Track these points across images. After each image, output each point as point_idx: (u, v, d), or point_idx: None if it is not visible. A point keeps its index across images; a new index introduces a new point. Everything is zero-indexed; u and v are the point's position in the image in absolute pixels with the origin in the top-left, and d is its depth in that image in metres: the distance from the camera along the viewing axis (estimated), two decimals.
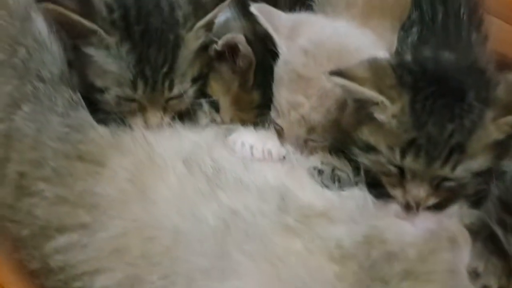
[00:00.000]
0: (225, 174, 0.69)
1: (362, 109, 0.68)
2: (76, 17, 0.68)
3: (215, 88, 0.84)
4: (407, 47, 0.90)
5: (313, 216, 0.65)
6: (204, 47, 0.80)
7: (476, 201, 0.72)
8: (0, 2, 0.79)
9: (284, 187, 0.69)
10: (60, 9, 0.67)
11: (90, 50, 0.72)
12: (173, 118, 0.80)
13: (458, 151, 0.63)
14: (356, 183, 0.74)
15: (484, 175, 0.67)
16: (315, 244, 0.62)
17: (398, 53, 0.89)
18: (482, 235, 0.68)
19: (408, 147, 0.64)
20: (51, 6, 0.67)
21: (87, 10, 0.70)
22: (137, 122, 0.78)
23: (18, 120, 0.72)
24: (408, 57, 0.70)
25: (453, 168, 0.64)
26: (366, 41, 0.79)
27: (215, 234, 0.63)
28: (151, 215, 0.65)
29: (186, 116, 0.82)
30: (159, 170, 0.69)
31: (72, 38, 0.73)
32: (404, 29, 0.93)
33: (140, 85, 0.73)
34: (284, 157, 0.80)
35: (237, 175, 0.69)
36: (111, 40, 0.71)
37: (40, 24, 0.77)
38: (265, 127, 0.84)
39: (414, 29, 0.91)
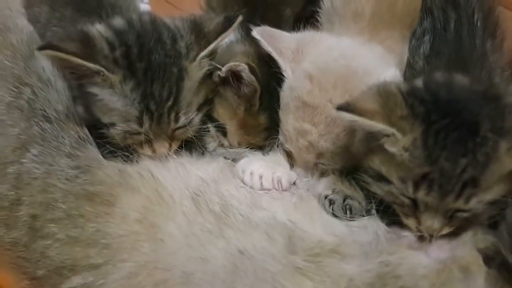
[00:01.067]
0: (233, 212, 0.68)
1: (372, 139, 0.67)
2: (78, 60, 0.67)
3: (221, 113, 0.83)
4: (420, 57, 0.87)
5: (323, 254, 0.65)
6: (209, 74, 0.79)
7: (492, 224, 0.71)
8: (4, 42, 0.80)
9: (292, 225, 0.68)
10: (61, 55, 0.67)
11: (95, 90, 0.71)
12: (180, 147, 0.80)
13: (471, 185, 0.61)
14: (369, 211, 0.73)
15: (500, 202, 0.66)
16: (326, 285, 0.62)
17: (410, 65, 0.87)
18: (496, 261, 0.67)
19: (421, 180, 0.63)
20: (51, 53, 0.67)
21: (89, 51, 0.69)
22: (145, 152, 0.78)
23: (27, 163, 0.72)
24: (420, 83, 0.67)
25: (467, 201, 0.63)
26: (375, 60, 0.77)
27: (225, 276, 0.63)
28: (160, 256, 0.65)
29: (194, 142, 0.82)
30: (167, 208, 0.69)
31: (76, 79, 0.72)
32: (416, 37, 0.89)
33: (146, 120, 0.73)
34: (294, 183, 0.80)
35: (244, 213, 0.68)
36: (115, 78, 0.70)
37: (44, 61, 0.77)
38: (273, 150, 0.84)
39: (426, 38, 0.87)
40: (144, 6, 1.16)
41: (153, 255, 0.65)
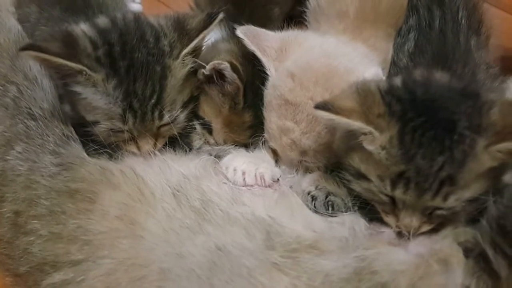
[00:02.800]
0: (213, 207, 0.69)
1: (352, 137, 0.67)
2: (60, 60, 0.68)
3: (207, 111, 0.84)
4: (404, 55, 0.87)
5: (300, 250, 0.65)
6: (193, 72, 0.80)
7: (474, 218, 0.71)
8: None
9: (271, 220, 0.68)
10: (44, 55, 0.67)
11: (78, 88, 0.72)
12: (165, 145, 0.81)
13: (449, 183, 0.61)
14: (351, 207, 0.74)
15: (479, 199, 0.66)
16: (302, 281, 0.62)
17: (394, 63, 0.87)
18: (475, 251, 0.67)
19: (398, 178, 0.63)
20: (33, 53, 0.67)
21: (71, 50, 0.70)
22: (130, 149, 0.79)
23: (11, 160, 0.73)
24: (398, 81, 0.67)
25: (445, 199, 0.63)
26: (357, 58, 0.77)
27: (202, 272, 0.63)
28: (139, 253, 0.66)
29: (180, 139, 0.83)
30: (147, 204, 0.70)
31: (60, 78, 0.73)
32: (401, 35, 0.89)
33: (130, 117, 0.73)
34: (278, 179, 0.81)
35: (224, 209, 0.69)
36: (97, 77, 0.71)
37: (30, 60, 0.78)
38: (259, 147, 0.84)
39: (411, 35, 0.88)
40: (136, 6, 1.18)
41: (132, 252, 0.66)
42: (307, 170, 0.81)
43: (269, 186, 0.78)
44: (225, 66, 0.74)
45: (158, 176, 0.72)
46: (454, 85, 0.66)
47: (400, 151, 0.62)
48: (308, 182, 0.78)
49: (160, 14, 0.81)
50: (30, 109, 0.75)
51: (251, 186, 0.77)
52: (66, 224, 0.69)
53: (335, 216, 0.73)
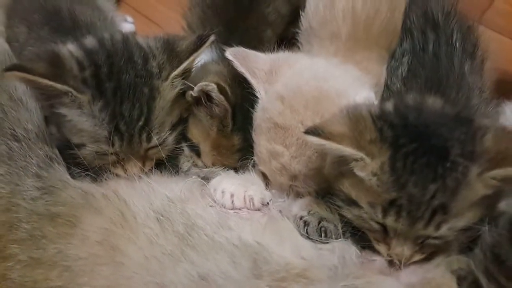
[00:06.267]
0: (198, 232, 0.67)
1: (342, 163, 0.65)
2: (45, 81, 0.67)
3: (195, 133, 0.82)
4: (397, 79, 0.86)
5: (289, 278, 0.63)
6: (183, 93, 0.78)
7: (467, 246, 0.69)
8: None
9: (259, 247, 0.66)
10: (29, 76, 0.66)
11: (64, 110, 0.70)
12: (151, 168, 0.79)
13: (441, 211, 0.60)
14: (344, 233, 0.72)
15: (473, 228, 0.64)
16: None
17: (387, 87, 0.86)
18: (468, 280, 0.66)
19: (389, 206, 0.61)
20: (19, 74, 0.66)
21: (57, 71, 0.68)
22: (117, 172, 0.77)
23: None
24: (390, 106, 0.65)
25: (437, 228, 0.61)
26: (348, 82, 0.76)
27: None
28: (119, 281, 0.63)
29: (167, 162, 0.81)
30: (130, 229, 0.68)
31: (46, 99, 0.71)
32: (395, 58, 0.88)
33: (116, 140, 0.72)
34: (268, 203, 0.78)
35: (209, 234, 0.67)
36: (83, 98, 0.69)
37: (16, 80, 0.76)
38: (247, 171, 0.82)
39: (405, 59, 0.87)
40: (128, 26, 1.17)
41: (112, 279, 0.64)
42: (298, 195, 0.78)
43: (258, 209, 0.76)
44: (212, 88, 0.73)
45: (141, 199, 0.70)
46: (447, 111, 0.65)
47: (392, 178, 0.60)
48: (300, 206, 0.76)
49: (153, 34, 0.81)
50: (14, 130, 0.74)
51: (240, 209, 0.75)
52: (46, 249, 0.67)
53: (327, 242, 0.70)
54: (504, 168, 0.58)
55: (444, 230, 0.61)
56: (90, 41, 0.74)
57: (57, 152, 0.76)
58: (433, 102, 0.67)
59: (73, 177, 0.76)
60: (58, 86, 0.68)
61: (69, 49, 0.73)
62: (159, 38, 0.77)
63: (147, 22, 1.20)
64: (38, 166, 0.73)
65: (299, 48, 0.94)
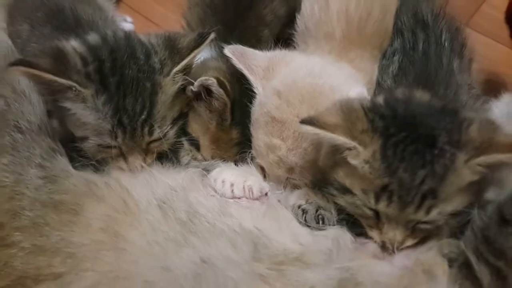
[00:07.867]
0: (199, 219, 0.69)
1: (336, 152, 0.68)
2: (50, 76, 0.69)
3: (195, 128, 0.85)
4: (388, 77, 0.90)
5: (287, 262, 0.65)
6: (184, 89, 0.81)
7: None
8: None
9: (259, 232, 0.69)
10: (33, 71, 0.68)
11: (68, 104, 0.73)
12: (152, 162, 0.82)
13: (431, 196, 0.63)
14: (339, 221, 0.74)
15: (462, 213, 0.67)
16: None
17: (379, 84, 0.90)
18: (459, 261, 0.68)
19: (381, 192, 0.64)
20: (23, 69, 0.68)
21: (61, 66, 0.71)
22: (120, 165, 0.79)
23: None
24: (380, 99, 0.69)
25: (427, 212, 0.64)
26: (342, 78, 0.79)
27: (187, 285, 0.63)
28: (122, 266, 0.65)
29: (168, 155, 0.84)
30: (132, 216, 0.70)
31: (49, 94, 0.74)
32: (386, 57, 0.92)
33: (119, 133, 0.74)
34: (266, 194, 0.81)
35: (211, 221, 0.69)
36: (87, 93, 0.71)
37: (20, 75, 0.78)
38: (246, 164, 0.85)
39: (396, 58, 0.90)
40: (128, 25, 1.20)
41: (115, 264, 0.65)
42: (295, 187, 0.81)
43: (257, 198, 0.79)
44: (212, 82, 0.76)
45: (144, 188, 0.72)
46: (434, 103, 0.68)
47: (383, 164, 0.63)
48: (297, 196, 0.79)
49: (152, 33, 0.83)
50: (17, 122, 0.76)
51: (239, 198, 0.78)
52: (49, 236, 0.68)
53: (323, 229, 0.73)
54: (489, 155, 0.62)
55: (434, 214, 0.64)
56: (93, 38, 0.76)
57: (59, 144, 0.78)
58: (421, 95, 0.70)
59: (75, 169, 0.77)
60: (62, 80, 0.70)
61: (72, 45, 0.75)
62: (161, 35, 0.80)
63: (146, 22, 1.22)
64: (41, 157, 0.74)
65: (295, 48, 0.98)
